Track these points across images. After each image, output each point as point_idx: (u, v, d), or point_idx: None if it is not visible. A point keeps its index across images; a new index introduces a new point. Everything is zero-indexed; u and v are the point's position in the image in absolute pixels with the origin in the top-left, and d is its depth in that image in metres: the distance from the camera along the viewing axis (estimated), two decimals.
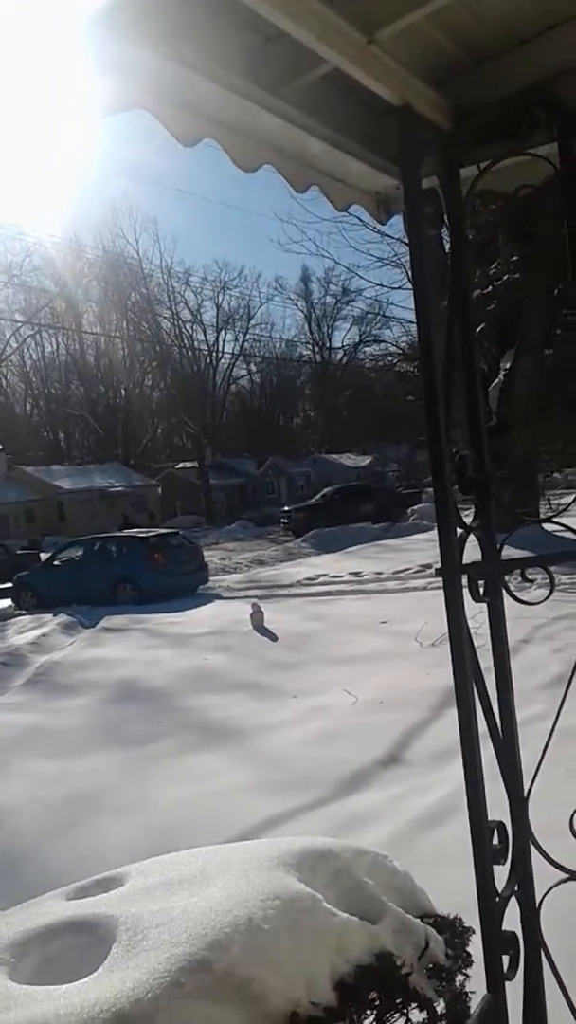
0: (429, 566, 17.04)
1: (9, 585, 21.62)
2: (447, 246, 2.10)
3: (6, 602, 20.37)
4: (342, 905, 1.85)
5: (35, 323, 52.72)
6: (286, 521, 35.47)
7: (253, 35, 1.50)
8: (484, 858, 1.88)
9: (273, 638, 11.48)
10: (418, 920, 1.98)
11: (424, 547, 21.36)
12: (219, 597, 16.97)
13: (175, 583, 17.71)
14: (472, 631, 1.95)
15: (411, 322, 37.58)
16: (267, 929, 1.65)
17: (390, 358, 46.74)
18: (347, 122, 1.75)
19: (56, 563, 19.56)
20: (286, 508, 38.02)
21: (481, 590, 1.89)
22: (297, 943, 1.68)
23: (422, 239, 1.76)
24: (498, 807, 2.04)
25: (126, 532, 23.45)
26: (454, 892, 2.41)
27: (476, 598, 1.91)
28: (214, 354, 64.60)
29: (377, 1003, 1.75)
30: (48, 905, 1.92)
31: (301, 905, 1.78)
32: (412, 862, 2.16)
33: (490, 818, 1.90)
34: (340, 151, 1.75)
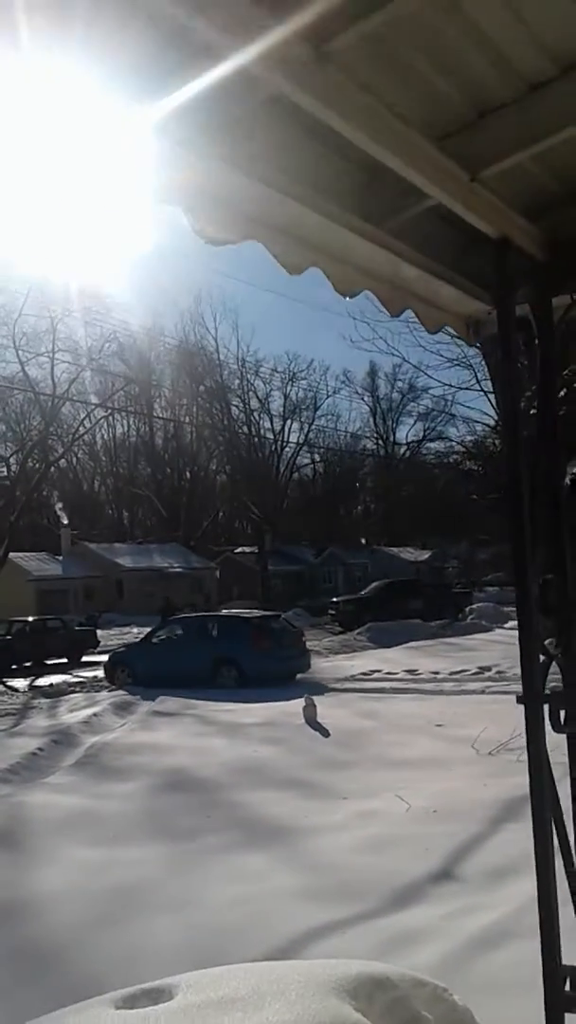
0: (488, 668, 16.70)
1: (95, 660, 21.22)
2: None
3: (89, 674, 20.33)
4: None
5: (109, 406, 54.18)
6: (333, 612, 34.88)
7: (360, 172, 1.57)
8: (556, 1008, 1.78)
9: (325, 734, 11.27)
10: None
11: (483, 648, 20.98)
12: (328, 688, 15.84)
13: (278, 667, 17.01)
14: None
15: (476, 421, 37.71)
16: None
17: (455, 456, 46.78)
18: (441, 250, 1.81)
19: (154, 641, 19.01)
20: (335, 599, 36.87)
21: (562, 720, 1.84)
22: None
23: (513, 360, 1.79)
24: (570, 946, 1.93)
25: (229, 612, 22.80)
26: (513, 1021, 2.28)
27: (557, 728, 1.85)
28: (279, 442, 65.47)
29: None
30: (96, 1013, 1.87)
31: None
32: (465, 988, 2.06)
33: (564, 961, 1.81)
34: (434, 277, 1.81)
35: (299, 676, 17.62)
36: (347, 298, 1.65)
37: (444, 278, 1.84)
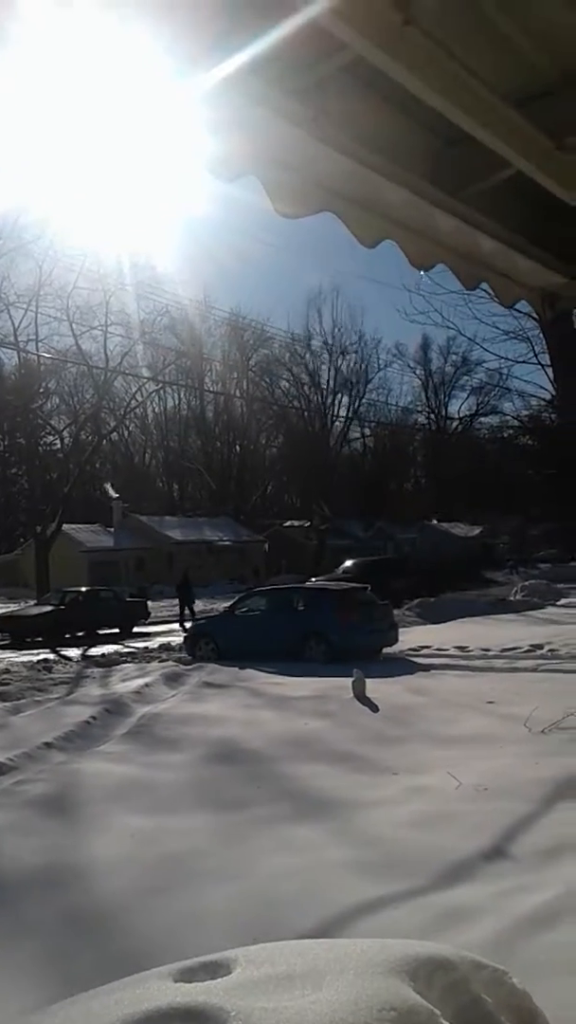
0: (540, 646, 16.53)
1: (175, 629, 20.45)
2: None
3: (140, 644, 20.44)
4: (458, 1021, 1.77)
5: (160, 380, 54.51)
6: None
7: (435, 139, 1.51)
8: None
9: (375, 708, 11.27)
10: None
11: (535, 625, 20.81)
12: (421, 668, 15.24)
13: (366, 640, 16.47)
14: None
15: (532, 396, 37.23)
16: None
17: (509, 430, 46.20)
18: (519, 221, 1.74)
19: (237, 613, 18.42)
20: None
21: None
22: None
23: None
24: None
25: (315, 583, 21.73)
26: (566, 1005, 2.24)
27: None
28: (329, 416, 65.34)
29: None
30: (155, 985, 1.88)
31: (417, 1020, 1.70)
32: (516, 968, 2.05)
33: None
34: (511, 249, 1.74)
35: (385, 651, 17.08)
36: (422, 271, 1.61)
37: (522, 250, 1.77)
